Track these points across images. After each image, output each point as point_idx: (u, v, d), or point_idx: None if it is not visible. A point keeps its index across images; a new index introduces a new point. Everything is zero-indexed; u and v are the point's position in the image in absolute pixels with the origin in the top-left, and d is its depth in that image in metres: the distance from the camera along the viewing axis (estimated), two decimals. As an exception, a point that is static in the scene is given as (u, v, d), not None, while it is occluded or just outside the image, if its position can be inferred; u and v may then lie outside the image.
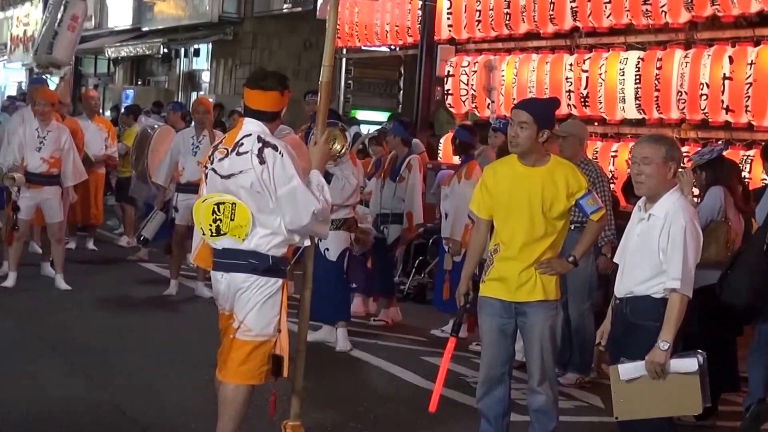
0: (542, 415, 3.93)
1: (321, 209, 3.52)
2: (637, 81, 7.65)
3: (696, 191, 5.29)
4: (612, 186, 6.65)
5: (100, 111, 13.23)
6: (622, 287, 3.58)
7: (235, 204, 3.53)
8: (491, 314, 3.91)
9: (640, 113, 7.73)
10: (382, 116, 10.47)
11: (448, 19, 9.69)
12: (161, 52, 17.66)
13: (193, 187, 7.44)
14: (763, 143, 7.05)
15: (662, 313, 3.45)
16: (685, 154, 7.06)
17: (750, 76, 6.85)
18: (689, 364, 3.42)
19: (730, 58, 6.99)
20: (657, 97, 7.52)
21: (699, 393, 3.44)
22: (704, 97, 7.14)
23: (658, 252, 3.45)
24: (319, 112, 3.75)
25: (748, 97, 6.87)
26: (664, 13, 7.52)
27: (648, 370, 3.40)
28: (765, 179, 6.86)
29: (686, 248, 3.41)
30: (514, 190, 3.88)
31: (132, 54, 18.82)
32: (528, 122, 3.83)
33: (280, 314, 3.67)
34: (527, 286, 3.84)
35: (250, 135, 3.56)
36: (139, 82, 20.20)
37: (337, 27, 13.52)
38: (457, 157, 6.90)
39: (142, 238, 7.72)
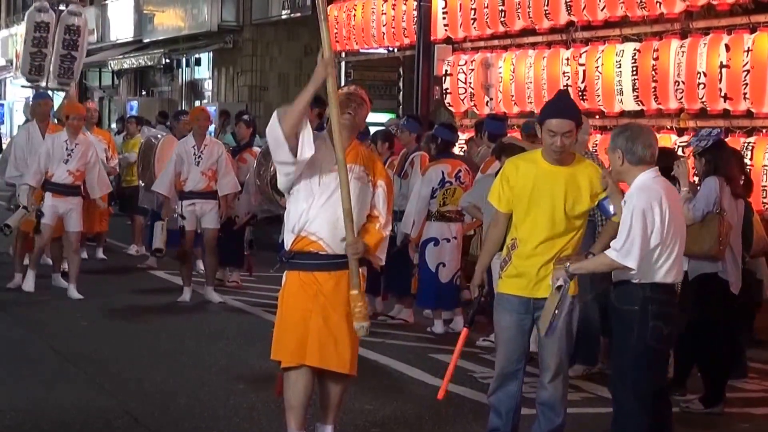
0: (549, 409, 3.93)
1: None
2: (634, 72, 7.68)
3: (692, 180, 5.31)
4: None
5: (105, 123, 13.27)
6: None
7: None
8: (509, 310, 3.91)
9: (639, 104, 7.76)
10: (384, 118, 10.53)
11: (444, 18, 9.74)
12: (163, 63, 17.77)
13: (195, 195, 7.51)
14: (764, 129, 7.08)
15: (641, 297, 3.55)
16: (684, 143, 7.11)
17: (747, 63, 6.87)
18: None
19: (727, 46, 7.00)
20: (655, 87, 7.54)
21: (547, 318, 3.65)
22: (702, 86, 7.16)
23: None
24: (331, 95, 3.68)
25: (746, 84, 6.89)
26: (658, 4, 7.55)
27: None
28: (766, 166, 6.88)
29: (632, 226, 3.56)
30: (537, 187, 3.87)
31: (135, 65, 18.95)
32: (572, 130, 3.83)
33: (280, 306, 3.86)
34: (546, 282, 3.83)
35: None
36: (143, 93, 20.32)
37: (335, 30, 13.34)
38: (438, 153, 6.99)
39: (156, 250, 7.80)
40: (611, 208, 3.84)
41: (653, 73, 7.54)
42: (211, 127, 14.13)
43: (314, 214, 3.74)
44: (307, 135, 3.64)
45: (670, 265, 3.58)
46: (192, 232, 7.51)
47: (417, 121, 7.62)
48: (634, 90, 7.70)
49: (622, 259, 3.55)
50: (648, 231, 3.54)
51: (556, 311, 3.59)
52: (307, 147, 3.64)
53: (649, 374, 3.58)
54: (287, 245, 3.84)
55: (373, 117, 12.82)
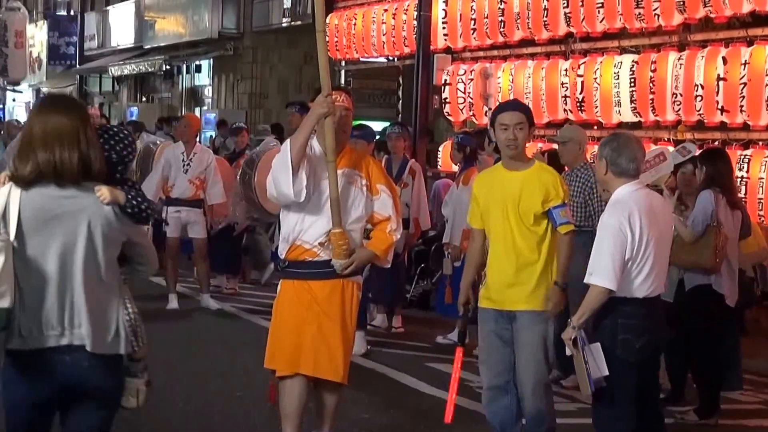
0: (531, 420, 3.94)
1: None
2: (632, 84, 7.72)
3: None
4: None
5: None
6: None
7: None
8: (487, 320, 3.92)
9: (636, 116, 7.79)
10: (382, 126, 10.57)
11: (444, 28, 9.78)
12: (163, 69, 17.81)
13: (182, 202, 7.46)
14: (760, 142, 7.12)
15: (611, 311, 3.52)
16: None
17: (744, 76, 6.90)
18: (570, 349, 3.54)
19: (724, 59, 7.05)
20: (652, 99, 7.58)
21: (584, 375, 3.52)
22: (699, 98, 7.20)
23: None
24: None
25: (743, 97, 6.92)
26: (657, 16, 7.59)
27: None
28: (762, 178, 6.90)
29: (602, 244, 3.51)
30: (492, 195, 3.88)
31: (135, 72, 18.98)
32: (523, 122, 3.83)
33: (274, 315, 3.89)
34: (512, 296, 3.84)
35: None
36: (143, 99, 20.36)
37: (335, 38, 13.33)
38: (456, 163, 7.00)
39: None
40: (560, 218, 3.78)
41: (651, 84, 7.57)
42: (212, 133, 14.14)
43: (309, 222, 3.77)
44: (303, 176, 3.70)
45: (643, 279, 3.50)
46: (175, 239, 7.47)
47: (406, 128, 7.65)
48: (631, 101, 7.74)
49: (600, 281, 3.47)
50: (622, 248, 3.46)
51: (587, 365, 3.50)
52: (303, 185, 3.68)
53: (621, 384, 3.56)
54: (282, 253, 3.86)
55: (373, 126, 12.87)
